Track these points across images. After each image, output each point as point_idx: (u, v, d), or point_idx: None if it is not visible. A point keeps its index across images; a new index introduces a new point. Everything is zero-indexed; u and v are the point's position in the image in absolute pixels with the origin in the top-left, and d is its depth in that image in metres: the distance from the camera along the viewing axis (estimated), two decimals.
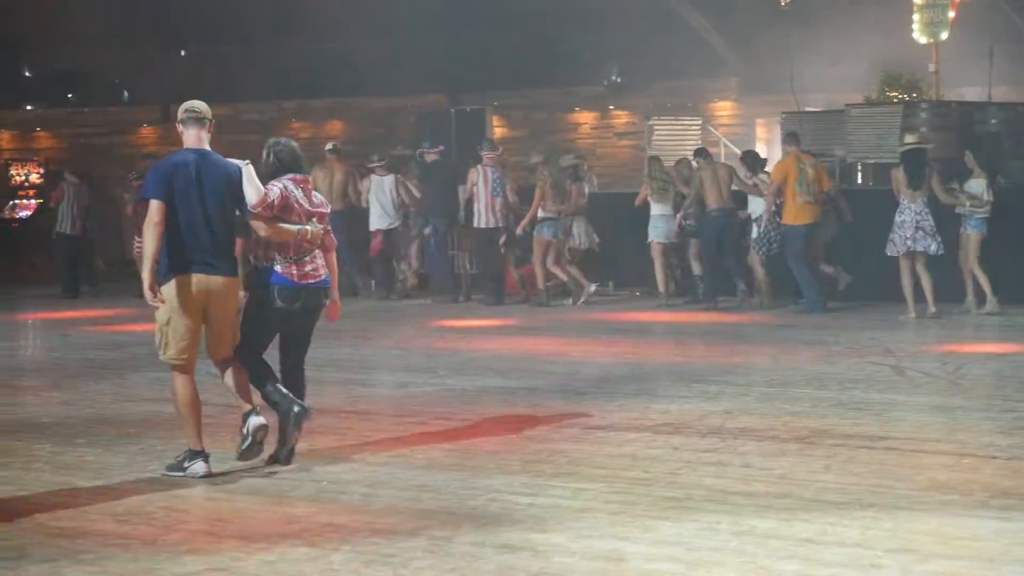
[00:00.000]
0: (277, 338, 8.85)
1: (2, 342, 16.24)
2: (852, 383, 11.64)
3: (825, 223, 17.49)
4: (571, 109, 27.26)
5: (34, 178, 28.78)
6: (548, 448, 9.10)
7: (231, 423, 8.91)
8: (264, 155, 8.77)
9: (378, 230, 20.26)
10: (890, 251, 16.44)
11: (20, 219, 28.10)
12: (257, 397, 8.61)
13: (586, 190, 19.57)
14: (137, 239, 16.42)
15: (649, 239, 18.62)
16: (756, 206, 18.05)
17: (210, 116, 8.61)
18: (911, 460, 8.61)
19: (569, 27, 25.84)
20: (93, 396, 11.68)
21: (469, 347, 14.71)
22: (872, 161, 19.54)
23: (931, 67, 20.60)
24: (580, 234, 19.20)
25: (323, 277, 8.75)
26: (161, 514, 7.48)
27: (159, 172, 8.37)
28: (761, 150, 22.69)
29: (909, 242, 16.24)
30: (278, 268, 8.58)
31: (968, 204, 16.45)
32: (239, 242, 8.65)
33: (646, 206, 18.74)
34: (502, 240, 19.46)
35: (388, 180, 20.30)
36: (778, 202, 17.48)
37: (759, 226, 17.83)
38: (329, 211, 8.96)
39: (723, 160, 21.56)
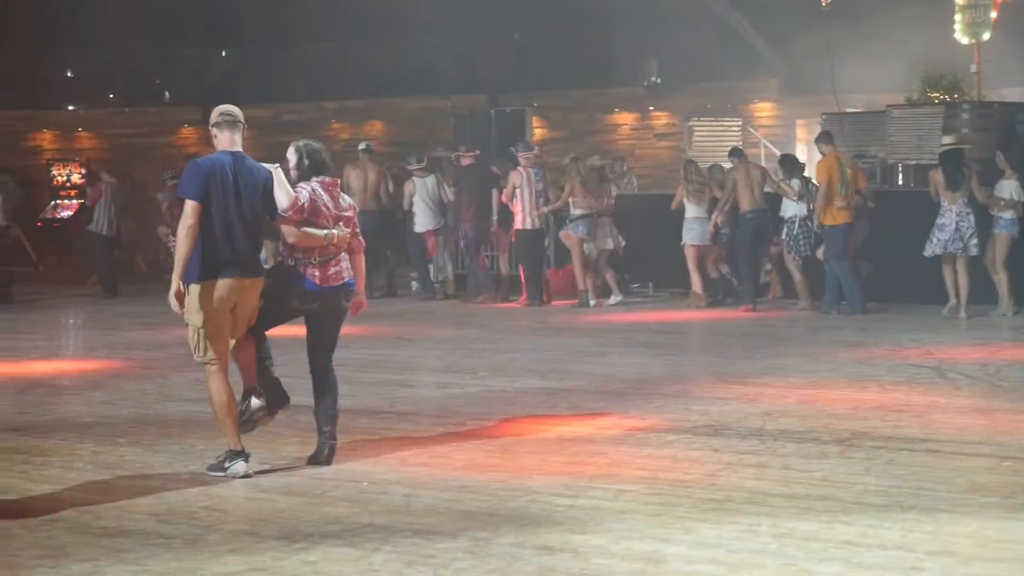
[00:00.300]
0: (304, 343, 8.90)
1: (46, 340, 16.30)
2: (893, 385, 11.60)
3: (859, 223, 17.40)
4: (611, 110, 27.24)
5: (76, 178, 28.89)
6: (588, 449, 9.11)
7: (270, 424, 8.95)
8: (293, 157, 8.79)
9: (428, 231, 20.30)
10: (928, 252, 16.39)
11: (62, 219, 28.28)
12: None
13: (612, 191, 19.55)
14: (172, 236, 16.51)
15: (683, 241, 18.55)
16: (788, 208, 17.95)
17: (243, 120, 8.67)
18: (952, 463, 8.57)
19: (609, 28, 25.86)
20: (135, 396, 11.74)
21: (509, 348, 14.73)
22: (913, 162, 19.44)
23: (973, 68, 20.45)
24: (605, 235, 19.15)
25: (347, 280, 8.78)
26: (203, 513, 7.53)
27: (196, 172, 8.39)
28: (801, 151, 22.61)
29: (948, 244, 16.20)
30: (302, 268, 8.63)
31: (1001, 204, 16.36)
32: (267, 245, 8.72)
33: (682, 208, 18.70)
34: (546, 241, 19.51)
35: (430, 180, 20.35)
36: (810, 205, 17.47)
37: (791, 227, 17.75)
38: (356, 214, 8.98)
39: (763, 162, 21.48)
